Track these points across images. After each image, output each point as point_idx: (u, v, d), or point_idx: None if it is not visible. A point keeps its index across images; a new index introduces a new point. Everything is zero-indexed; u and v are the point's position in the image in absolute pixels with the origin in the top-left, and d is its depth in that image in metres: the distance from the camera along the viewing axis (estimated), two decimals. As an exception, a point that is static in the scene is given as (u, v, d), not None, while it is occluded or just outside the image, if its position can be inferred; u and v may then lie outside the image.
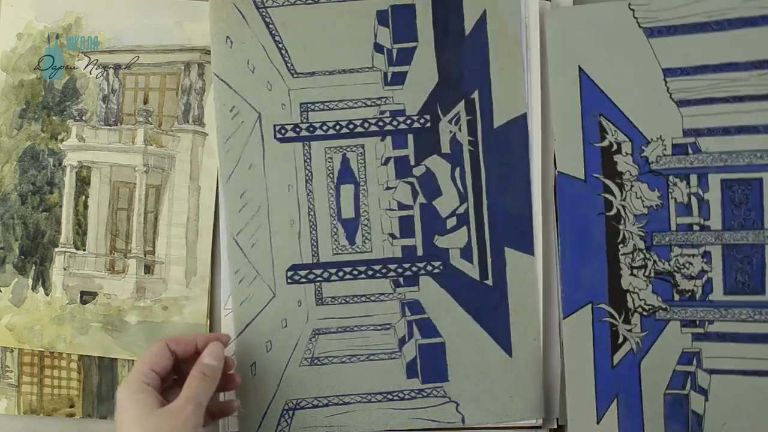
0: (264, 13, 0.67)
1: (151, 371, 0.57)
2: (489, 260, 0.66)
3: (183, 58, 0.70)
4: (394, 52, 0.67)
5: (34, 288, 0.69)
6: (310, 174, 0.67)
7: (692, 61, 0.64)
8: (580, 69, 0.65)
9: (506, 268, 0.66)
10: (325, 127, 0.67)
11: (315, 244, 0.67)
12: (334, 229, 0.67)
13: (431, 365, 0.66)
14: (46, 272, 0.69)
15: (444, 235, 0.66)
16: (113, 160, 0.70)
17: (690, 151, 0.64)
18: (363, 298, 0.67)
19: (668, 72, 0.64)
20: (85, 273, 0.69)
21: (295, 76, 0.67)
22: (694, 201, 0.64)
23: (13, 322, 0.69)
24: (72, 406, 0.69)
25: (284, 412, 0.66)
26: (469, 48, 0.66)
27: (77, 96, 0.70)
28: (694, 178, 0.64)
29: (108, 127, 0.70)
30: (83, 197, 0.70)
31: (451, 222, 0.66)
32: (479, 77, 0.66)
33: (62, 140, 0.70)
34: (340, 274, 0.67)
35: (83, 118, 0.70)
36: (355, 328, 0.67)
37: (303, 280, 0.66)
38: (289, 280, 0.66)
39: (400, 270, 0.66)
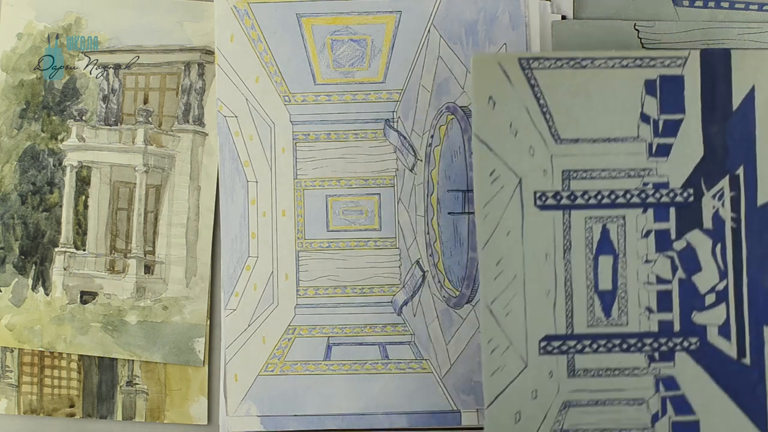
0: (529, 75, 0.64)
1: None
2: (747, 338, 0.64)
3: (183, 58, 0.70)
4: (660, 123, 0.65)
5: (34, 288, 0.69)
6: (568, 243, 0.65)
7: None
8: None
9: (765, 347, 0.64)
10: (586, 197, 0.65)
11: (570, 315, 0.65)
12: (590, 301, 0.65)
13: None
14: (46, 272, 0.69)
15: (702, 312, 0.65)
16: (113, 160, 0.70)
17: None
18: (616, 372, 0.64)
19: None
20: (85, 273, 0.70)
21: (558, 142, 0.65)
22: None
23: (13, 322, 0.69)
24: (72, 406, 0.69)
25: None
26: (736, 123, 0.65)
27: (77, 96, 0.70)
28: None
29: (108, 127, 0.70)
30: (83, 197, 0.70)
31: (710, 298, 0.65)
32: (744, 153, 0.64)
33: (62, 140, 0.70)
34: (594, 346, 0.65)
35: (83, 118, 0.70)
36: (607, 402, 0.65)
37: (556, 351, 0.64)
38: (541, 351, 0.64)
39: (655, 345, 0.64)
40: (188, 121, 0.70)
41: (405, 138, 0.66)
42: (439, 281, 0.65)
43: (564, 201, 0.65)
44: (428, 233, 0.66)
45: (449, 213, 0.64)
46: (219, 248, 0.69)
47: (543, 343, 0.65)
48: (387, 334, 0.66)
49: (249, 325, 0.67)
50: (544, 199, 0.65)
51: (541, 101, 0.64)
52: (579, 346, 0.65)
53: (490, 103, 0.64)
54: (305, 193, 0.67)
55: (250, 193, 0.67)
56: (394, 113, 0.67)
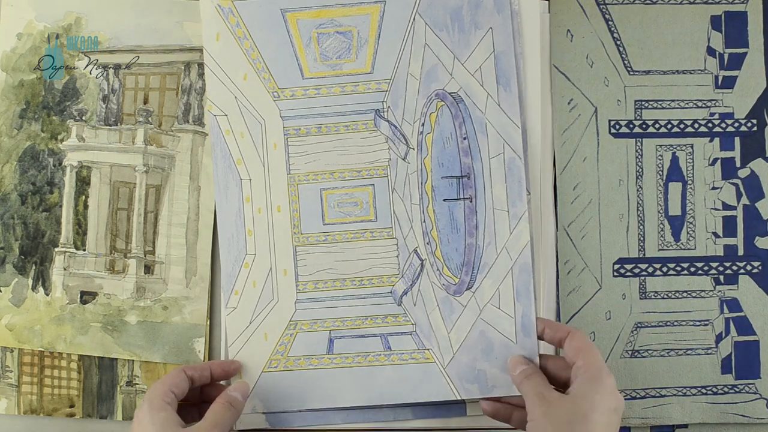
0: (604, 9, 0.70)
1: (171, 392, 0.58)
2: None
3: (183, 58, 0.70)
4: (726, 56, 0.70)
5: (34, 288, 0.69)
6: (640, 170, 0.70)
7: None
8: None
9: None
10: (657, 125, 0.70)
11: (642, 239, 0.69)
12: (661, 226, 0.69)
13: (745, 362, 0.68)
14: (46, 272, 0.69)
15: (765, 237, 0.69)
16: (113, 160, 0.70)
17: None
18: (684, 294, 0.69)
19: None
20: (85, 273, 0.69)
21: (631, 73, 0.70)
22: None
23: (13, 322, 0.69)
24: (72, 406, 0.69)
25: None
26: None
27: (77, 96, 0.70)
28: None
29: (108, 127, 0.70)
30: (83, 197, 0.70)
31: None
32: None
33: (62, 140, 0.70)
34: (664, 269, 0.69)
35: (83, 118, 0.70)
36: (675, 323, 0.69)
37: (628, 273, 0.69)
38: (615, 273, 0.69)
39: (721, 268, 0.69)
40: (188, 121, 0.70)
41: (396, 127, 0.66)
42: (438, 269, 0.65)
43: (636, 129, 0.70)
44: (424, 221, 0.66)
45: (444, 200, 0.64)
46: (218, 248, 0.69)
47: (616, 266, 0.69)
48: (388, 324, 0.66)
49: (250, 323, 0.66)
50: (618, 127, 0.70)
51: (615, 35, 0.69)
52: (650, 269, 0.69)
53: (567, 36, 0.69)
54: (299, 188, 0.67)
55: (244, 190, 0.67)
56: (384, 103, 0.67)
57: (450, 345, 0.64)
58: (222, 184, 0.67)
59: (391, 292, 0.67)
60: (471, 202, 0.63)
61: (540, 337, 0.61)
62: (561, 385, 0.58)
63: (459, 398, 0.64)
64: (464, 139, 0.63)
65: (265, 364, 0.66)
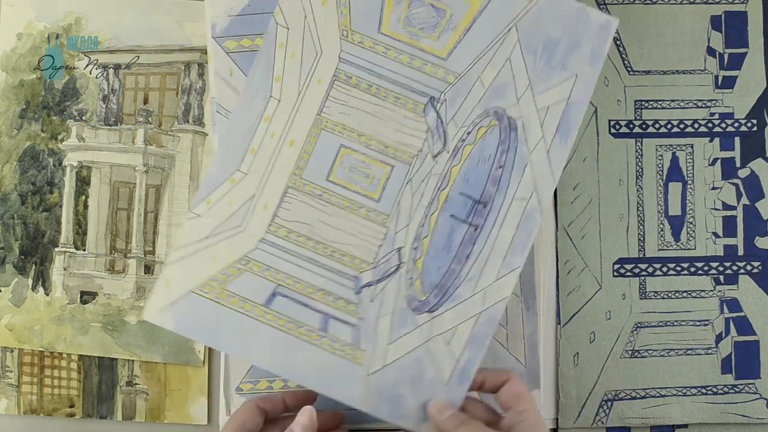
0: (604, 9, 0.70)
1: (243, 428, 0.58)
2: None
3: (183, 58, 0.70)
4: (726, 56, 0.70)
5: (34, 288, 0.69)
6: (640, 170, 0.70)
7: None
8: None
9: None
10: (657, 125, 0.70)
11: (642, 239, 0.70)
12: (661, 226, 0.70)
13: (745, 362, 0.69)
14: (46, 272, 0.69)
15: (765, 237, 0.69)
16: (113, 160, 0.70)
17: None
18: (684, 294, 0.69)
19: None
20: (85, 273, 0.69)
21: (631, 73, 0.70)
22: None
23: (13, 322, 0.69)
24: (72, 406, 0.69)
25: (603, 402, 0.68)
26: None
27: (77, 96, 0.70)
28: None
29: (108, 127, 0.70)
30: (83, 197, 0.70)
31: None
32: None
33: (62, 140, 0.70)
34: (664, 269, 0.69)
35: (83, 118, 0.70)
36: (675, 323, 0.69)
37: (628, 273, 0.69)
38: (615, 273, 0.69)
39: (721, 268, 0.69)
40: (188, 121, 0.70)
41: (441, 123, 0.64)
42: (411, 278, 0.62)
43: (636, 129, 0.70)
44: (422, 226, 0.63)
45: (451, 215, 0.63)
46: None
47: (616, 266, 0.69)
48: (336, 307, 0.62)
49: (206, 238, 0.62)
50: (617, 127, 0.70)
51: (615, 34, 0.68)
52: (650, 269, 0.69)
53: None
54: (321, 133, 0.63)
55: (269, 108, 0.63)
56: (443, 94, 0.64)
57: (384, 356, 0.61)
58: (250, 93, 0.62)
59: (355, 278, 0.63)
60: (475, 230, 0.61)
61: (478, 388, 0.59)
62: None
63: (363, 410, 0.60)
64: (500, 167, 0.61)
65: (199, 285, 0.61)
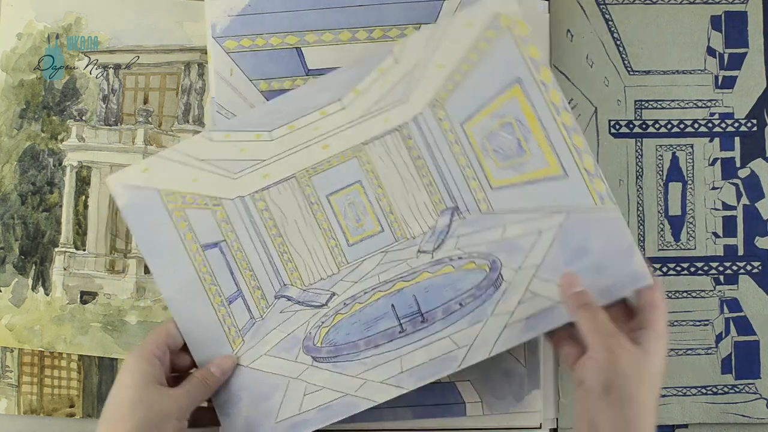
0: (604, 9, 0.70)
1: (164, 344, 0.58)
2: None
3: (183, 58, 0.70)
4: (726, 56, 0.70)
5: (34, 288, 0.69)
6: (640, 170, 0.70)
7: None
8: None
9: None
10: (657, 125, 0.70)
11: (642, 239, 0.70)
12: (661, 226, 0.70)
13: (745, 362, 0.69)
14: (46, 272, 0.69)
15: (765, 237, 0.69)
16: (113, 160, 0.70)
17: None
18: (684, 294, 0.69)
19: None
20: (85, 273, 0.69)
21: (631, 73, 0.70)
22: None
23: (13, 322, 0.69)
24: (72, 406, 0.69)
25: None
26: None
27: (77, 96, 0.70)
28: None
29: (108, 127, 0.70)
30: (83, 197, 0.70)
31: None
32: None
33: (62, 140, 0.70)
34: (664, 269, 0.70)
35: (83, 118, 0.70)
36: (675, 323, 0.69)
37: None
38: None
39: (721, 268, 0.69)
40: (188, 121, 0.70)
41: (447, 232, 0.63)
42: (322, 323, 0.62)
43: (636, 129, 0.70)
44: (364, 293, 0.62)
45: (392, 305, 0.61)
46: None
47: None
48: (250, 293, 0.63)
49: (202, 161, 0.63)
50: (618, 127, 0.70)
51: (615, 35, 0.69)
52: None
53: (567, 36, 0.69)
54: (352, 159, 0.63)
55: (330, 107, 0.63)
56: (467, 213, 0.63)
57: (253, 358, 0.62)
58: (324, 85, 0.62)
59: (284, 285, 0.64)
60: (399, 333, 0.60)
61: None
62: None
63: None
64: (459, 305, 0.60)
65: (167, 190, 0.62)
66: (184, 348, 0.61)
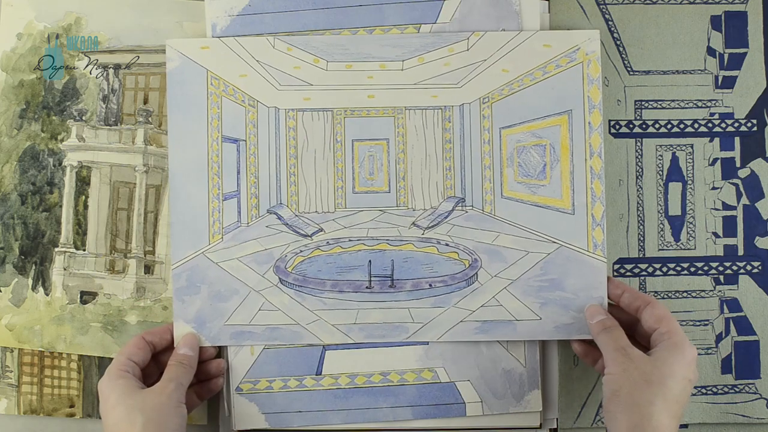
0: (604, 9, 0.70)
1: (130, 361, 0.61)
2: None
3: (183, 58, 0.70)
4: (726, 56, 0.70)
5: (34, 288, 0.69)
6: (640, 170, 0.70)
7: None
8: None
9: None
10: (657, 125, 0.70)
11: (642, 239, 0.70)
12: (661, 226, 0.70)
13: (745, 362, 0.69)
14: (46, 272, 0.69)
15: (765, 237, 0.70)
16: (113, 160, 0.70)
17: None
18: (684, 294, 0.70)
19: None
20: (85, 273, 0.69)
21: (631, 73, 0.70)
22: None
23: (13, 322, 0.69)
24: (72, 406, 0.69)
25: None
26: None
27: (77, 96, 0.70)
28: None
29: (108, 127, 0.70)
30: (83, 197, 0.70)
31: None
32: None
33: (62, 140, 0.70)
34: (664, 269, 0.70)
35: (83, 118, 0.70)
36: None
37: (628, 273, 0.70)
38: (615, 273, 0.70)
39: (721, 268, 0.70)
40: (188, 121, 0.70)
41: (444, 218, 0.67)
42: None
43: (636, 129, 0.70)
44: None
45: (370, 261, 0.66)
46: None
47: (617, 266, 0.69)
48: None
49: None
50: (618, 127, 0.70)
51: (615, 35, 0.69)
52: (650, 269, 0.70)
53: None
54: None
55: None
56: (469, 208, 0.67)
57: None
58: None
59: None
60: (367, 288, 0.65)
61: (616, 302, 0.63)
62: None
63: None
64: (424, 281, 0.65)
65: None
66: (154, 358, 0.64)
